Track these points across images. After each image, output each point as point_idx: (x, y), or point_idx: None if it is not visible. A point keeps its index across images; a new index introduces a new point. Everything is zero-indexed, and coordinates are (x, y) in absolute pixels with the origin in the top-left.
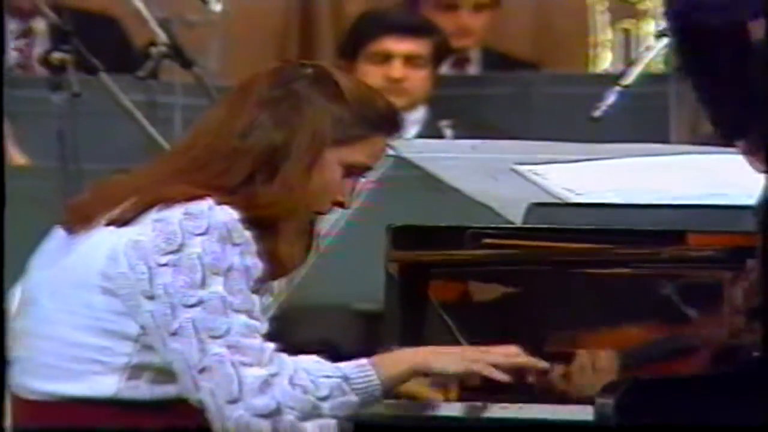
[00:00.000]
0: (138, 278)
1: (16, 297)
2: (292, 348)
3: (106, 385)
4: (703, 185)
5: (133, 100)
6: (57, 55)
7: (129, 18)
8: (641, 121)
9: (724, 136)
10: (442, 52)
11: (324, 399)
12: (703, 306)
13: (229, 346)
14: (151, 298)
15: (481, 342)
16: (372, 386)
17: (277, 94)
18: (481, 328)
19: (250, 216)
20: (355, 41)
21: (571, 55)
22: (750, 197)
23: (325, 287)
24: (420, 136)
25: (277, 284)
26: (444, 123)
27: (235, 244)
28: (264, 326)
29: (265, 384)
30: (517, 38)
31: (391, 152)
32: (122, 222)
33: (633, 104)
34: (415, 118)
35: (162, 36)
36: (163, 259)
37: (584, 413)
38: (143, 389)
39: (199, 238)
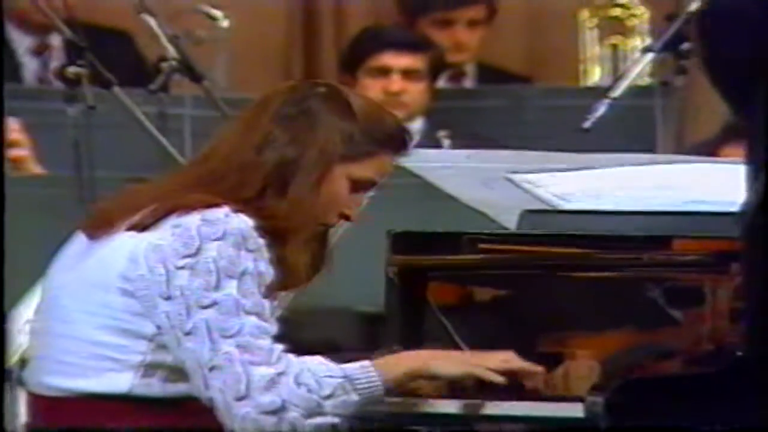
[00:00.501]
0: (156, 280)
1: (35, 299)
2: (298, 347)
3: (121, 382)
4: (687, 193)
5: (145, 112)
6: (72, 70)
7: (141, 34)
8: (629, 132)
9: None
10: (438, 66)
11: (327, 398)
12: (688, 308)
13: (239, 346)
14: (167, 298)
15: (476, 341)
16: (373, 387)
17: (291, 111)
18: (477, 328)
19: (262, 226)
20: (356, 56)
21: (562, 69)
22: (730, 204)
23: (328, 290)
24: (418, 146)
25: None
26: (441, 134)
27: (249, 250)
28: (273, 328)
29: (272, 382)
30: (511, 53)
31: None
32: (142, 227)
33: (621, 116)
34: (413, 129)
35: (172, 51)
36: (181, 262)
37: (575, 411)
38: (156, 387)
39: (215, 243)
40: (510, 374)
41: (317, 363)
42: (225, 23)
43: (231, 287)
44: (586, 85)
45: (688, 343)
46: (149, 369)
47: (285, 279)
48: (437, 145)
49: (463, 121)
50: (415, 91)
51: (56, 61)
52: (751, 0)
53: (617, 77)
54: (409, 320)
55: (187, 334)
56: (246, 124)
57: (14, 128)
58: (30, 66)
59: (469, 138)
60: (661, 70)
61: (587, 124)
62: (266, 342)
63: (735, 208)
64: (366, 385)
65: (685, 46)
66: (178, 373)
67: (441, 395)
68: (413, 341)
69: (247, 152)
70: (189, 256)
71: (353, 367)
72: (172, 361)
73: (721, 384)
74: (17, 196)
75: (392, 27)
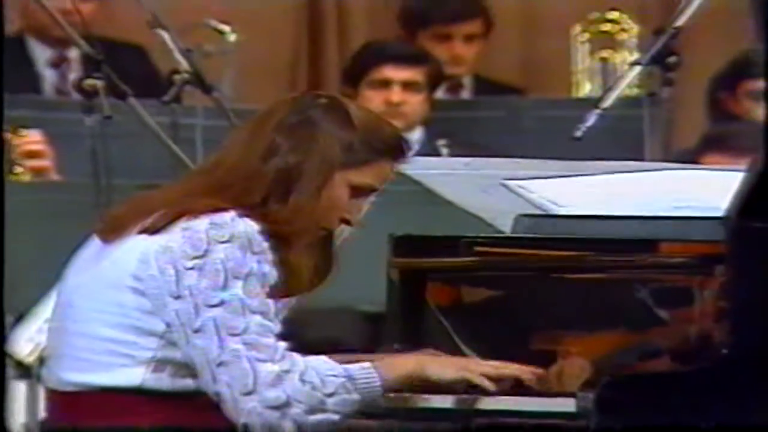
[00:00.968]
0: (166, 280)
1: (53, 300)
2: (304, 345)
3: (133, 376)
4: (673, 198)
5: (158, 122)
6: (89, 82)
7: (155, 48)
8: (618, 141)
9: None
10: (436, 78)
11: (330, 396)
12: (675, 308)
13: (245, 343)
14: (177, 297)
15: (473, 340)
16: (373, 387)
17: (294, 121)
18: (474, 328)
19: (267, 230)
20: (358, 69)
21: (555, 81)
22: (714, 210)
23: (332, 291)
24: (418, 154)
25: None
26: (440, 142)
27: (254, 252)
28: (277, 327)
29: (277, 379)
30: (506, 66)
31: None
32: (153, 230)
33: (611, 125)
34: (413, 139)
35: (184, 65)
36: (190, 263)
37: (567, 406)
38: (166, 381)
39: (222, 246)
40: (502, 379)
41: (321, 362)
42: (233, 38)
43: (237, 287)
44: (577, 96)
45: (675, 341)
46: (159, 364)
47: (289, 283)
48: (436, 154)
49: (460, 131)
50: (415, 102)
51: (74, 73)
52: None
53: (607, 89)
54: (410, 319)
55: (196, 331)
56: (251, 134)
57: (38, 140)
58: (49, 78)
59: (466, 146)
60: (649, 82)
61: (579, 133)
62: (271, 340)
63: (720, 213)
64: (366, 385)
65: (672, 59)
66: (186, 368)
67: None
68: (413, 340)
69: (252, 161)
70: (197, 257)
71: (355, 368)
72: (181, 357)
73: (707, 381)
74: (38, 202)
75: (393, 41)
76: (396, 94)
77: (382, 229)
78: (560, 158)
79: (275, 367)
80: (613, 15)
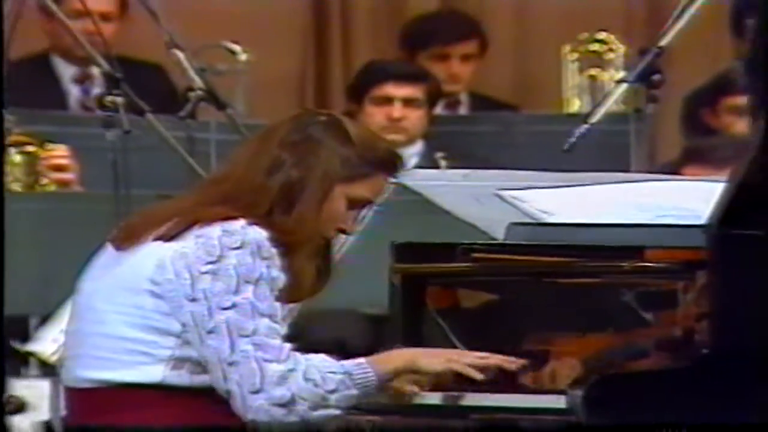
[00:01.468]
0: (182, 283)
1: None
2: (311, 345)
3: (153, 373)
4: (657, 207)
5: (175, 136)
6: (110, 99)
7: (171, 67)
8: (605, 154)
9: None
10: (435, 95)
11: (331, 392)
12: (659, 311)
13: (254, 344)
14: (192, 300)
15: (469, 340)
16: (370, 381)
17: (296, 138)
18: (470, 329)
19: (272, 239)
20: (361, 86)
21: (546, 98)
22: (696, 218)
23: (337, 294)
24: (418, 166)
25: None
26: (438, 155)
27: (264, 258)
28: (283, 329)
29: (283, 378)
30: (500, 84)
31: (393, 180)
32: (168, 237)
33: (599, 139)
34: (413, 152)
35: (199, 82)
36: (204, 268)
37: (558, 402)
38: (185, 377)
39: (234, 252)
40: (487, 369)
41: (321, 360)
42: (244, 57)
43: (248, 291)
44: (567, 112)
45: (659, 342)
46: (178, 362)
47: (293, 289)
48: (435, 166)
49: (458, 144)
50: (415, 118)
51: (98, 89)
52: None
53: (595, 105)
54: (410, 321)
55: (210, 332)
56: (256, 150)
57: (64, 154)
58: (74, 94)
59: (463, 159)
60: (635, 99)
61: (568, 147)
62: (277, 341)
63: (701, 221)
64: (363, 381)
65: (656, 77)
66: (202, 366)
67: (433, 389)
68: (413, 340)
69: (258, 175)
70: (211, 262)
71: (351, 364)
72: (196, 355)
73: (688, 378)
74: (63, 211)
75: (394, 61)
76: (397, 110)
77: (385, 237)
78: (551, 170)
79: (281, 367)
80: (601, 36)
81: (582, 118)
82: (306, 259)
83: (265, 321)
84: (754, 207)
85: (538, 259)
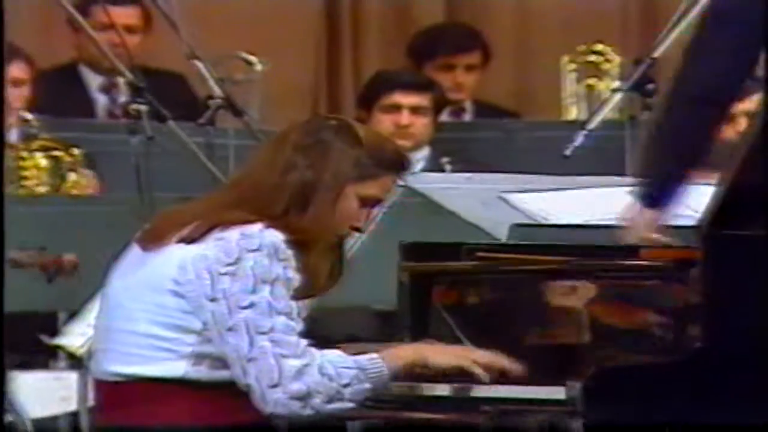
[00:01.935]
0: (202, 284)
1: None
2: (325, 339)
3: (176, 368)
4: None
5: (195, 142)
6: (134, 107)
7: (192, 77)
8: (602, 159)
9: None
10: (441, 103)
11: (345, 386)
12: (654, 307)
13: (272, 341)
14: (212, 300)
15: (473, 335)
16: (382, 375)
17: (308, 141)
18: (474, 324)
19: (288, 239)
20: (371, 95)
21: (546, 105)
22: (687, 219)
23: (349, 291)
24: (424, 170)
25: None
26: (444, 160)
27: (280, 260)
28: (300, 326)
29: (299, 373)
30: (502, 92)
31: (402, 183)
32: (190, 240)
33: (596, 145)
34: (420, 157)
35: (217, 91)
36: (223, 270)
37: (558, 394)
38: (204, 372)
39: (252, 254)
40: (491, 368)
41: (336, 355)
42: (260, 68)
43: (265, 291)
44: (566, 119)
45: (653, 336)
46: (198, 358)
47: (308, 286)
48: (440, 170)
49: (462, 150)
50: (421, 125)
51: (123, 97)
52: None
53: (592, 113)
54: (417, 317)
55: (229, 330)
56: (271, 153)
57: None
58: (101, 102)
59: (467, 163)
60: (630, 107)
61: (567, 152)
62: (294, 338)
63: (693, 222)
64: (376, 374)
65: (650, 86)
66: (222, 361)
67: (439, 380)
68: (420, 335)
69: (273, 176)
70: (230, 264)
71: (364, 359)
72: (216, 352)
73: (681, 371)
74: (86, 212)
75: (402, 70)
76: (405, 118)
77: (393, 238)
78: (551, 174)
79: (297, 362)
80: (598, 47)
81: (580, 125)
82: (320, 256)
83: (282, 319)
84: (745, 208)
85: (539, 258)
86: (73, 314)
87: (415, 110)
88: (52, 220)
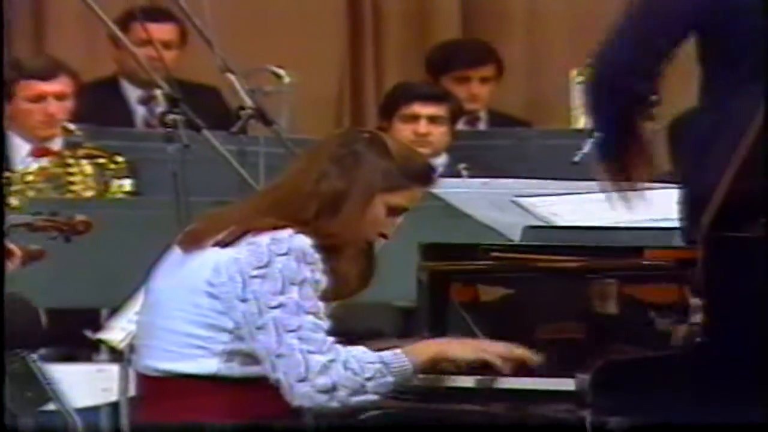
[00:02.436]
0: (235, 286)
1: (140, 297)
2: (349, 333)
3: (209, 365)
4: (654, 212)
5: (228, 150)
6: (171, 117)
7: (225, 89)
8: None
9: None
10: (457, 113)
11: (369, 380)
12: (657, 304)
13: (299, 338)
14: (243, 300)
15: (488, 330)
16: (405, 369)
17: (342, 152)
18: (489, 320)
19: (318, 243)
20: (391, 106)
21: (556, 115)
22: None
23: (372, 289)
24: (442, 176)
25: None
26: (460, 166)
27: (307, 263)
28: (326, 324)
29: (325, 368)
30: (515, 103)
31: None
32: (224, 244)
33: None
34: (438, 163)
35: (249, 102)
36: (254, 272)
37: (567, 385)
38: (236, 369)
39: (281, 258)
40: (511, 360)
41: (360, 351)
42: (288, 80)
43: (293, 292)
44: (574, 127)
45: (656, 331)
46: (230, 355)
47: (338, 288)
48: (457, 175)
49: (477, 156)
50: (439, 134)
51: (160, 108)
52: None
53: None
54: (435, 313)
55: (259, 328)
56: (307, 162)
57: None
58: (139, 112)
59: (482, 169)
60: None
61: (576, 159)
62: (321, 335)
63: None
64: (399, 369)
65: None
66: (252, 358)
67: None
68: (438, 330)
69: (308, 184)
70: (260, 267)
71: (388, 354)
72: (247, 349)
73: (682, 363)
74: (128, 215)
75: (420, 83)
76: (423, 127)
77: (413, 238)
78: (560, 179)
79: (323, 358)
80: None
81: (587, 133)
82: (350, 260)
83: (309, 317)
84: (744, 210)
85: (550, 258)
86: (114, 311)
87: (432, 120)
88: (97, 222)
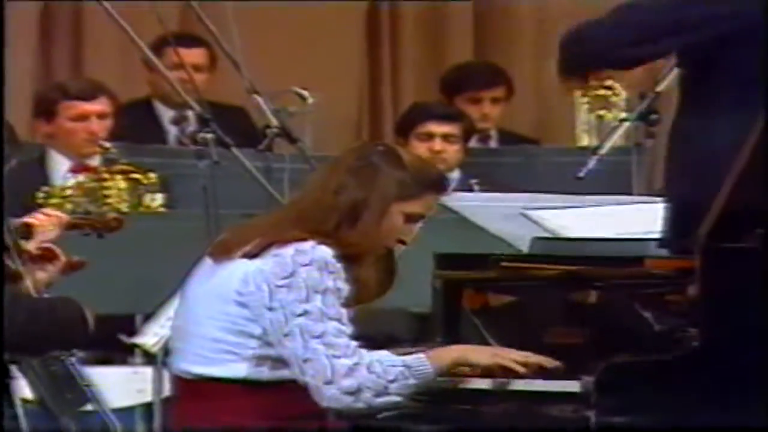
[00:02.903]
0: (262, 295)
1: (174, 304)
2: (367, 338)
3: (239, 369)
4: (654, 224)
5: (255, 166)
6: (202, 135)
7: (252, 109)
8: (611, 181)
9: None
10: (469, 132)
11: (392, 382)
12: (656, 310)
13: (324, 344)
14: (270, 309)
15: (499, 335)
16: (427, 373)
17: (359, 164)
18: (498, 325)
19: (340, 252)
20: (407, 124)
21: (562, 134)
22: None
23: (389, 296)
24: (455, 190)
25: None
26: (472, 181)
27: (330, 272)
28: (350, 329)
29: (350, 370)
30: (524, 122)
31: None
32: (251, 255)
33: (606, 169)
34: (451, 178)
35: (274, 121)
36: (280, 282)
37: (573, 387)
38: (265, 373)
39: (304, 268)
40: (528, 365)
41: (384, 355)
42: (311, 101)
43: (317, 300)
44: (579, 145)
45: (657, 336)
46: (259, 360)
47: (359, 294)
48: (470, 190)
49: (488, 172)
50: (452, 151)
51: (192, 127)
52: None
53: (603, 140)
54: (449, 319)
55: (286, 335)
56: (326, 175)
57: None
58: (172, 132)
59: (493, 185)
60: (635, 135)
61: (581, 175)
62: (344, 340)
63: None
64: (421, 372)
65: (653, 117)
66: (281, 362)
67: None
68: (451, 335)
69: (327, 196)
70: (285, 277)
71: (411, 358)
72: (275, 354)
73: (680, 367)
74: (161, 227)
75: (435, 103)
76: (438, 144)
77: (429, 249)
78: (567, 194)
79: (348, 361)
80: (608, 83)
81: (591, 150)
82: (369, 268)
83: (333, 323)
84: (741, 222)
85: (556, 267)
86: (148, 316)
87: (446, 138)
88: (132, 234)
